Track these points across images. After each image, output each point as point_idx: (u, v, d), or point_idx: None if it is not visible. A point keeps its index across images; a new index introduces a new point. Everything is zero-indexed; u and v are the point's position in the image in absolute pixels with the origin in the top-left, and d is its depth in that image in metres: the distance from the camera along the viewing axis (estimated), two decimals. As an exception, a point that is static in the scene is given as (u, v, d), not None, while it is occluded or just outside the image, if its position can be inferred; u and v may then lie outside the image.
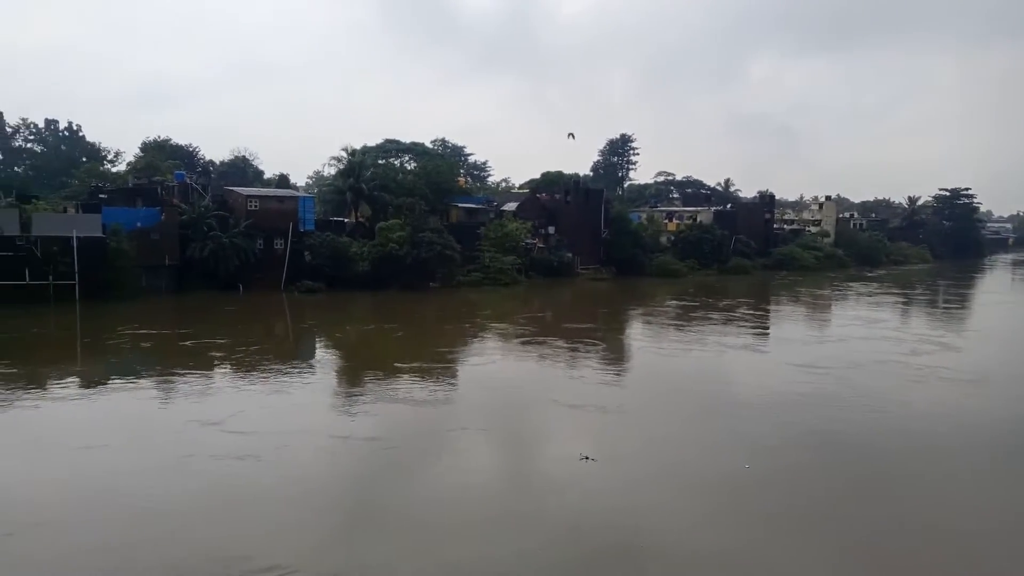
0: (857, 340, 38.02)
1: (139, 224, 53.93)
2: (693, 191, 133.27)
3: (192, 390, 24.82)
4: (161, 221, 55.24)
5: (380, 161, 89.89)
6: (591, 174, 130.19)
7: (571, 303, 59.17)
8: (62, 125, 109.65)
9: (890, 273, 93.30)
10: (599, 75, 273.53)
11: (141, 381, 26.68)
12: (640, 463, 18.23)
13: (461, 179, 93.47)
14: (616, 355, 32.77)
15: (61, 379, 26.63)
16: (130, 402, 23.42)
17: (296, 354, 34.53)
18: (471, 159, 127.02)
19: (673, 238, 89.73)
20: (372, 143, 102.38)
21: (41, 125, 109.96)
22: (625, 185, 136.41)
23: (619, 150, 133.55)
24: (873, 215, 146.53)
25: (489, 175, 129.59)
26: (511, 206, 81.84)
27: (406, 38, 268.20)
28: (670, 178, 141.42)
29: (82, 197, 62.65)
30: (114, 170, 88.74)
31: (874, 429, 21.46)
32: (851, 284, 75.55)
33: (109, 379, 26.77)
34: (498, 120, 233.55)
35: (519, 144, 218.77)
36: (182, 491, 15.22)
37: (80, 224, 50.04)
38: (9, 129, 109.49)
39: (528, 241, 74.06)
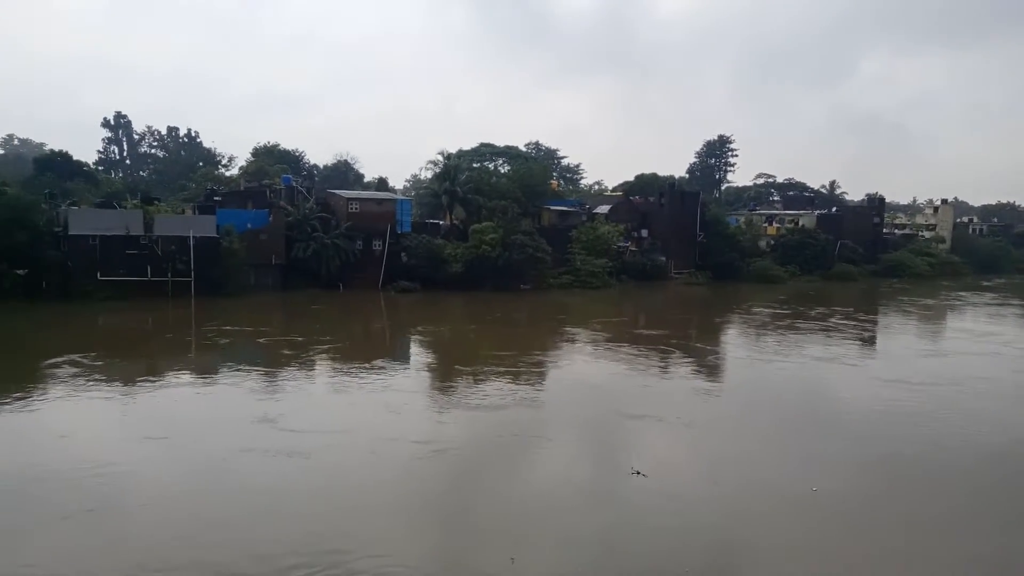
0: (962, 355, 35.34)
1: (249, 225, 57.10)
2: (795, 194, 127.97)
3: (287, 384, 26.06)
4: (269, 223, 58.29)
5: (475, 165, 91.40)
6: (687, 176, 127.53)
7: (662, 308, 58.14)
8: (182, 132, 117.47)
9: (1012, 282, 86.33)
10: (697, 74, 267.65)
11: (246, 373, 28.23)
12: (693, 480, 17.18)
13: (554, 182, 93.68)
14: (701, 364, 31.85)
15: (178, 369, 28.58)
16: (233, 393, 24.79)
17: (389, 352, 35.64)
18: (564, 162, 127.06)
19: (773, 242, 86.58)
20: (468, 147, 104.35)
21: (164, 132, 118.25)
22: (722, 187, 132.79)
23: (717, 151, 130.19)
24: (995, 220, 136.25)
25: (582, 178, 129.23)
26: (603, 209, 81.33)
27: (503, 43, 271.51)
28: (770, 180, 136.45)
29: (198, 199, 66.92)
30: (228, 174, 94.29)
31: (965, 453, 19.62)
32: (966, 294, 70.38)
33: (218, 370, 28.53)
34: (592, 122, 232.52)
35: (613, 146, 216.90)
36: (260, 483, 15.99)
37: (196, 225, 53.50)
38: (136, 136, 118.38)
39: (620, 244, 73.40)
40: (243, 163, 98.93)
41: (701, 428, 21.12)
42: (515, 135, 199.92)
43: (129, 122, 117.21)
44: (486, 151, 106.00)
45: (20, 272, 47.69)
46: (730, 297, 63.73)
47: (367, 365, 30.05)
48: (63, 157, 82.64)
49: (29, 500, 14.63)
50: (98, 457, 16.96)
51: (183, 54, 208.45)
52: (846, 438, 20.61)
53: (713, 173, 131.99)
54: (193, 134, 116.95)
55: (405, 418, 20.96)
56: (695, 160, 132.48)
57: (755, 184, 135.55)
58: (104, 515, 14.06)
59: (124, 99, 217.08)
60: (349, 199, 63.97)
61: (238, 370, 28.47)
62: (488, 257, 60.23)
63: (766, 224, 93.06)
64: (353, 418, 21.31)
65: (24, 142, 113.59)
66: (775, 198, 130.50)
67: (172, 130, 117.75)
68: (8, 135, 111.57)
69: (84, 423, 20.78)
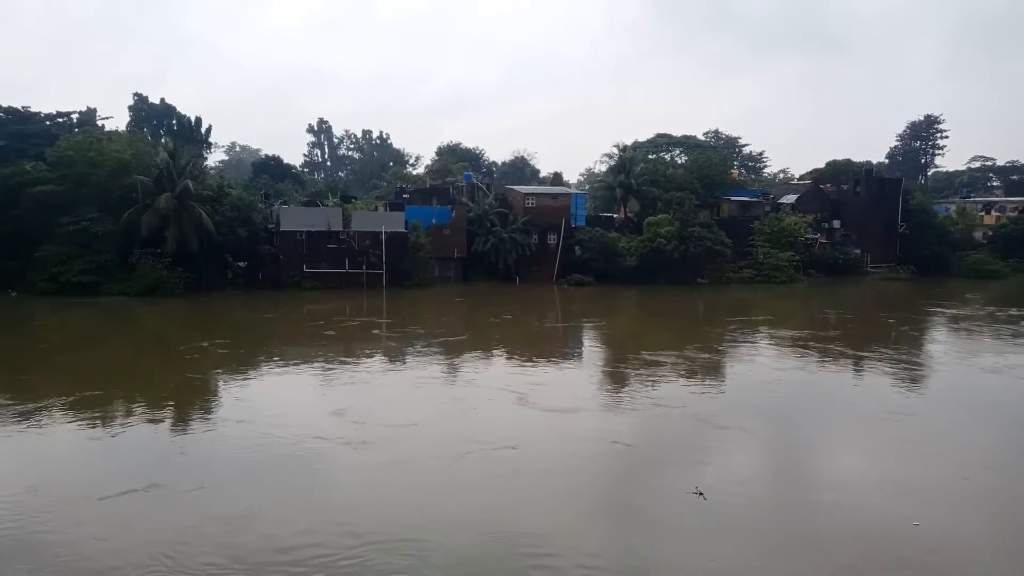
0: None
1: (434, 221, 60.55)
2: (1020, 178, 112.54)
3: (465, 371, 27.32)
4: (452, 218, 61.41)
5: (650, 156, 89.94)
6: (886, 162, 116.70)
7: (856, 305, 53.68)
8: (375, 135, 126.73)
9: None
10: (898, 48, 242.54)
11: (433, 357, 30.01)
12: (751, 505, 14.15)
13: (734, 171, 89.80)
14: (902, 369, 28.92)
15: (371, 354, 31.01)
16: (425, 377, 26.41)
17: (566, 343, 36.15)
18: (746, 150, 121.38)
19: (991, 233, 76.82)
20: (643, 138, 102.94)
21: (359, 135, 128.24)
22: (929, 173, 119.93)
23: (922, 133, 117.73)
24: None
25: (765, 166, 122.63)
26: (790, 198, 76.63)
27: (680, 31, 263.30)
28: (988, 163, 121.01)
29: (390, 197, 71.95)
30: (415, 173, 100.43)
31: None
32: None
33: (407, 353, 30.59)
34: (777, 107, 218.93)
35: (800, 132, 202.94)
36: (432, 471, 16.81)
37: (388, 221, 57.65)
38: (336, 140, 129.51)
39: (808, 236, 68.84)
40: (428, 162, 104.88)
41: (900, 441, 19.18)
42: (693, 124, 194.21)
43: (330, 127, 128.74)
44: (662, 142, 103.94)
45: (241, 264, 54.16)
46: (939, 294, 57.43)
47: (544, 356, 30.73)
48: (275, 161, 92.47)
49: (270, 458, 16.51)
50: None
51: (378, 62, 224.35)
52: None
53: (918, 157, 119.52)
54: (385, 136, 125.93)
55: (587, 415, 21.15)
56: (896, 144, 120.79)
57: (969, 168, 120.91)
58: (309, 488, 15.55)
59: (326, 106, 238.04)
60: (526, 194, 65.63)
61: (426, 354, 30.34)
62: (663, 250, 59.09)
63: (982, 212, 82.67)
64: (531, 411, 21.86)
65: (244, 148, 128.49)
66: (994, 183, 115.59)
67: (366, 133, 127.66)
68: (232, 143, 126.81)
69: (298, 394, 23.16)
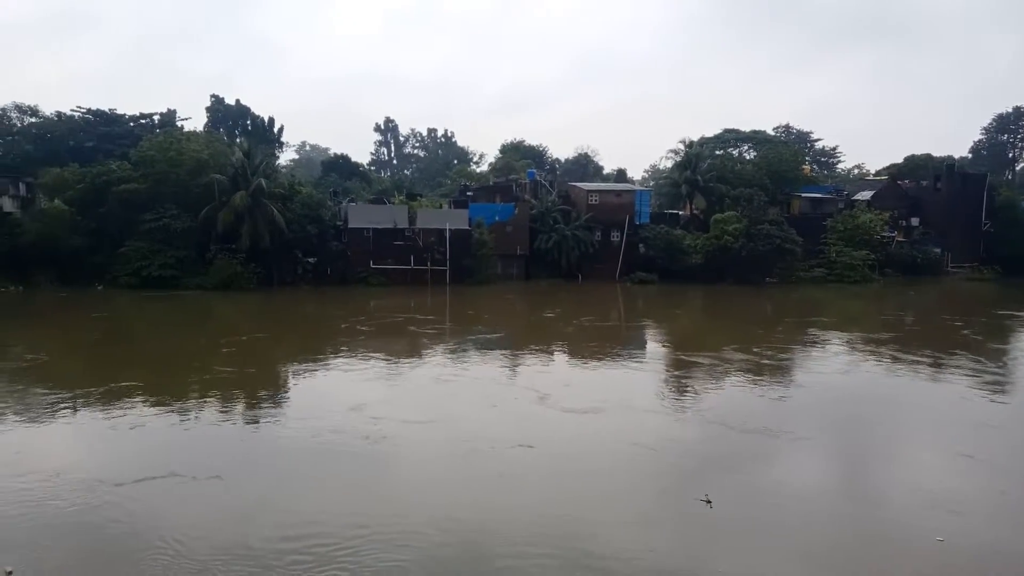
0: None
1: (497, 218, 60.89)
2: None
3: (526, 366, 27.36)
4: (515, 215, 61.61)
5: (717, 152, 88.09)
6: (969, 156, 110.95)
7: (936, 307, 51.32)
8: (440, 133, 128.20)
9: None
10: (979, 39, 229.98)
11: (493, 352, 30.19)
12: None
13: (806, 167, 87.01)
14: (987, 378, 27.44)
15: (432, 350, 31.42)
16: (489, 371, 26.61)
17: (628, 340, 35.80)
18: (818, 144, 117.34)
19: (1086, 231, 72.16)
20: (710, 134, 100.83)
21: (424, 134, 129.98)
22: (1017, 168, 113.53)
23: (1011, 126, 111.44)
24: None
25: (839, 161, 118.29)
26: (865, 195, 73.84)
27: (745, 24, 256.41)
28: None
29: (454, 195, 72.68)
30: (478, 170, 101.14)
31: None
32: None
33: (469, 349, 30.89)
34: (850, 101, 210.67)
35: (876, 126, 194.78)
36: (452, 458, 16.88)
37: (451, 218, 58.26)
38: (402, 139, 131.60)
39: (885, 234, 66.21)
40: (492, 160, 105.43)
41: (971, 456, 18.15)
42: (762, 119, 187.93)
43: (396, 126, 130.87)
44: (730, 137, 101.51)
45: (310, 260, 55.70)
46: (1025, 296, 54.40)
47: (609, 351, 30.55)
48: (343, 160, 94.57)
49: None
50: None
51: (443, 62, 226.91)
52: None
53: (1005, 152, 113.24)
54: (449, 134, 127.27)
55: (658, 417, 20.91)
56: (981, 138, 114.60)
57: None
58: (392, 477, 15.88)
59: (392, 106, 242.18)
60: (589, 191, 65.28)
61: (486, 349, 30.57)
62: (730, 248, 57.85)
63: (1077, 209, 77.72)
64: (594, 409, 21.74)
65: (314, 147, 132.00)
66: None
67: (431, 131, 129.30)
68: (302, 142, 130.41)
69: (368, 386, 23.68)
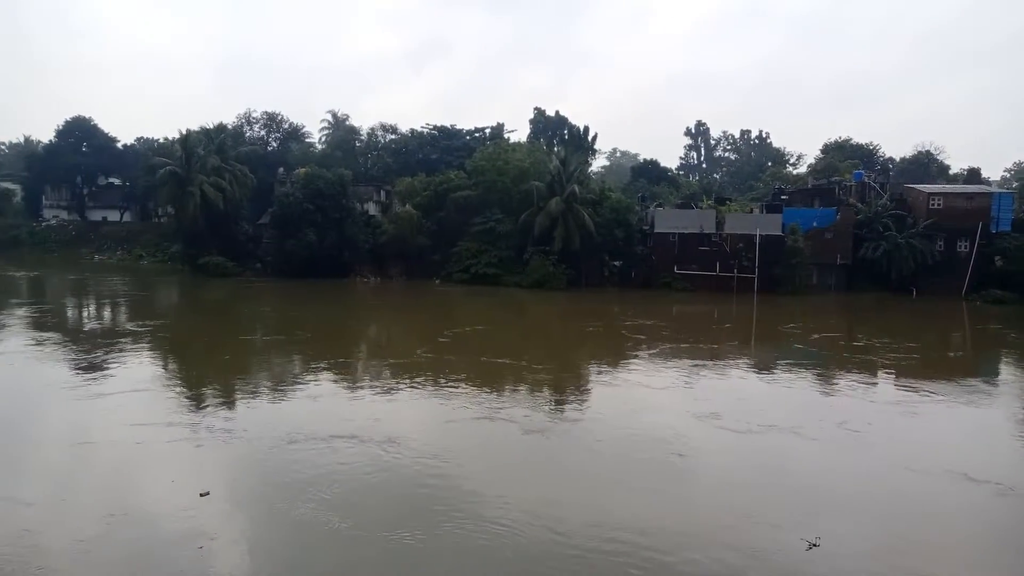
0: None
1: (815, 223, 56.39)
2: None
3: (844, 386, 24.78)
4: (836, 221, 56.47)
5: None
6: None
7: None
8: (753, 134, 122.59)
9: None
10: None
11: (802, 371, 28.03)
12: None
13: None
14: None
15: (737, 360, 30.22)
16: (793, 389, 24.84)
17: (977, 371, 30.56)
18: None
19: None
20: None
21: (736, 136, 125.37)
22: None
23: None
24: None
25: None
26: None
27: None
28: None
29: (766, 199, 69.04)
30: (795, 172, 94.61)
31: None
32: None
33: (775, 364, 29.06)
34: None
35: None
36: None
37: (763, 223, 55.41)
38: (712, 141, 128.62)
39: None
40: (812, 160, 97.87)
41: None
42: None
43: (707, 129, 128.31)
44: None
45: (616, 263, 57.34)
46: None
47: (941, 383, 26.47)
48: (652, 164, 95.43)
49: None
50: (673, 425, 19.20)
51: (762, 59, 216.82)
52: None
53: None
54: (764, 135, 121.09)
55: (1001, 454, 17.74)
56: None
57: None
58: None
59: (706, 108, 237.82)
60: (930, 194, 57.15)
61: (799, 365, 28.55)
62: None
63: None
64: (886, 441, 19.07)
65: (624, 154, 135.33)
66: None
67: (744, 133, 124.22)
68: (612, 148, 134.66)
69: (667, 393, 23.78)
